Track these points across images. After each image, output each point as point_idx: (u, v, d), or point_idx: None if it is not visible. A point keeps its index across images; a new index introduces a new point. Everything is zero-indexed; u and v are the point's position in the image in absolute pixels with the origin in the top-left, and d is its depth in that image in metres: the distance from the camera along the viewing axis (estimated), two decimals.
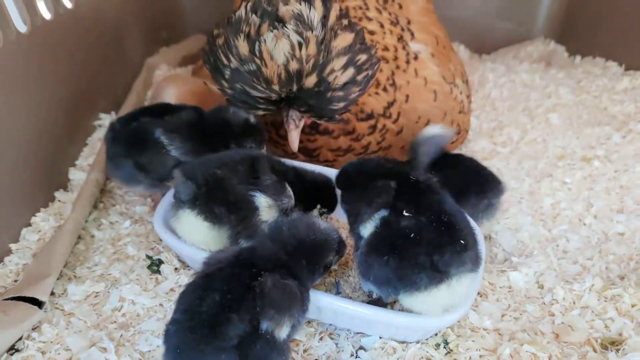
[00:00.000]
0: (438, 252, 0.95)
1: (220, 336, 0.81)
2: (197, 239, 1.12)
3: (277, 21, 1.12)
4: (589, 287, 1.20)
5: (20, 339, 1.05)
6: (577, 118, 1.92)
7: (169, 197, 1.31)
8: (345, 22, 1.20)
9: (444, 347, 1.08)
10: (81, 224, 1.33)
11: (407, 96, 1.48)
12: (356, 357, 1.07)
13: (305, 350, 1.08)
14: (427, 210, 0.99)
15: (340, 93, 1.20)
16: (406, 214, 0.99)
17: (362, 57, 1.20)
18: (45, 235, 1.33)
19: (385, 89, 1.44)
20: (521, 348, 1.04)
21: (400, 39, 1.52)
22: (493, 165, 1.68)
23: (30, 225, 1.36)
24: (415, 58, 1.52)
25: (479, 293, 1.21)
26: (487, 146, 1.80)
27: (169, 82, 1.77)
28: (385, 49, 1.48)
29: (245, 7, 1.16)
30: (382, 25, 1.50)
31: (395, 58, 1.49)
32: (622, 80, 2.06)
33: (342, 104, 1.23)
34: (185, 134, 1.28)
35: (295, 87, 1.16)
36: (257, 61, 1.12)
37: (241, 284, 0.87)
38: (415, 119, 1.49)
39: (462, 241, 0.96)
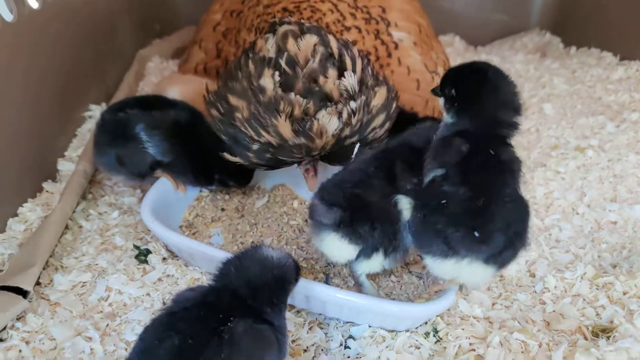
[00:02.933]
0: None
1: None
2: (342, 257, 1.07)
3: (326, 99, 1.08)
4: (581, 275, 1.18)
5: (4, 328, 1.04)
6: (571, 108, 1.90)
7: (156, 187, 1.30)
8: (370, 70, 1.17)
9: (434, 336, 1.07)
10: (68, 214, 1.31)
11: None
12: (345, 347, 1.06)
13: (294, 341, 1.07)
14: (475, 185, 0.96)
15: (376, 144, 1.19)
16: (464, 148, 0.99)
17: (394, 105, 1.19)
18: (32, 225, 1.31)
19: None
20: (511, 336, 1.03)
21: (377, 34, 1.51)
22: None
23: (17, 215, 1.34)
24: (396, 47, 1.51)
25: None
26: None
27: (173, 81, 1.74)
28: (368, 53, 1.46)
29: (272, 77, 1.08)
30: (359, 30, 1.48)
31: (377, 58, 1.48)
32: (616, 70, 2.05)
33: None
34: (167, 132, 1.26)
35: (335, 148, 1.14)
36: (305, 139, 1.08)
37: (206, 328, 0.80)
38: None
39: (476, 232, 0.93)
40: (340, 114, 1.08)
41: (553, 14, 2.58)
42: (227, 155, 1.17)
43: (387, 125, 1.19)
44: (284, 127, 1.07)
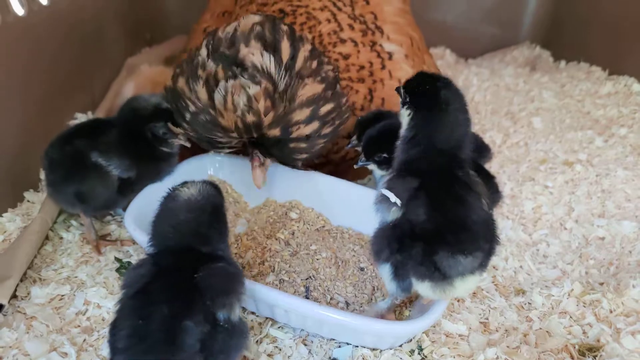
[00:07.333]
0: None
1: (181, 347, 0.77)
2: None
3: (236, 65, 1.08)
4: (568, 292, 1.17)
5: None
6: (560, 122, 1.91)
7: (143, 195, 1.26)
8: (314, 64, 1.16)
9: (418, 354, 1.05)
10: (48, 224, 1.28)
11: (383, 99, 1.46)
12: None
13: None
14: None
15: (304, 145, 1.18)
16: None
17: (328, 107, 1.17)
18: (11, 236, 1.28)
19: (362, 109, 1.43)
20: (497, 355, 1.01)
21: (373, 45, 1.50)
22: None
23: None
24: (390, 58, 1.50)
25: (455, 298, 1.18)
26: None
27: (130, 78, 1.74)
28: (361, 67, 1.45)
29: (207, 47, 1.13)
30: (355, 44, 1.47)
31: (371, 74, 1.46)
32: (605, 85, 2.06)
33: (304, 155, 1.21)
34: (120, 150, 1.23)
35: (255, 135, 1.14)
36: (213, 111, 1.10)
37: (184, 287, 0.83)
38: None
39: None
40: (243, 89, 1.06)
41: (544, 28, 2.60)
42: (171, 126, 1.21)
43: (314, 125, 1.15)
44: (202, 94, 1.10)
